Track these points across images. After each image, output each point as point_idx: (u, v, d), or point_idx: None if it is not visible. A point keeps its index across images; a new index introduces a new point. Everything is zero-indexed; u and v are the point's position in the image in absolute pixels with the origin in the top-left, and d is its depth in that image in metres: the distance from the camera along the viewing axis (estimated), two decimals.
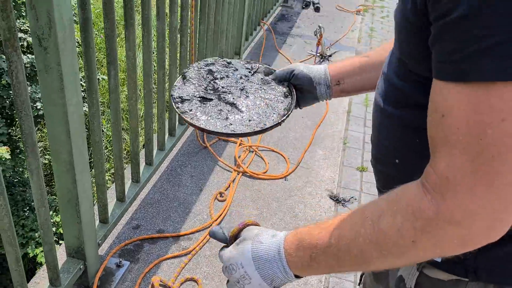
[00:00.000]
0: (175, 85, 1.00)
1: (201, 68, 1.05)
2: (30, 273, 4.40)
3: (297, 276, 0.74)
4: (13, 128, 5.71)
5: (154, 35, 1.98)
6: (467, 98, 0.55)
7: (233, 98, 0.98)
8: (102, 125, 1.67)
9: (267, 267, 0.73)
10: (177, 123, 2.45)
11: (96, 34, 7.19)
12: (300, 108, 1.10)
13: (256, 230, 0.77)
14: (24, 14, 5.29)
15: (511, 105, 0.53)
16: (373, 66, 1.00)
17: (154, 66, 2.28)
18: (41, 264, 4.60)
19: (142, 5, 1.77)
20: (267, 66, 1.10)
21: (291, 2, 5.54)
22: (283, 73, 1.05)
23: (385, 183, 0.83)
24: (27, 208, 5.05)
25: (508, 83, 0.52)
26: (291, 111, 0.97)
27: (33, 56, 4.97)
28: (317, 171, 2.69)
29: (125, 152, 4.46)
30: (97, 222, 1.81)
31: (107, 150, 5.77)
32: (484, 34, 0.52)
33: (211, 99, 0.97)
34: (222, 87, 1.01)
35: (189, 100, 0.97)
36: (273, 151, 2.80)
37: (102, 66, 6.90)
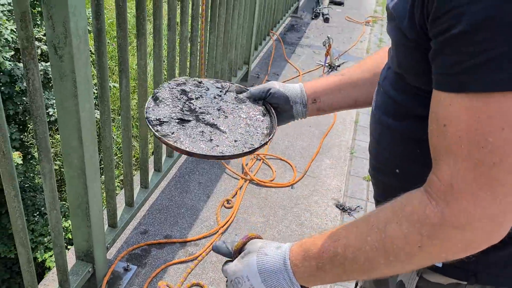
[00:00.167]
0: (148, 107, 0.94)
1: (173, 88, 1.00)
2: (38, 277, 4.44)
3: (303, 287, 0.75)
4: (25, 134, 5.81)
5: (165, 44, 2.02)
6: (468, 108, 0.58)
7: (213, 119, 0.95)
8: (112, 132, 1.71)
9: (273, 279, 0.73)
10: None
11: (108, 42, 7.30)
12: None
13: (260, 243, 0.78)
14: (38, 23, 5.41)
15: (509, 115, 0.56)
16: (349, 84, 1.00)
17: (164, 75, 2.33)
18: (49, 269, 4.65)
19: (154, 15, 1.82)
20: (238, 85, 1.06)
21: (301, 12, 5.59)
22: (259, 91, 1.02)
23: (385, 193, 0.85)
24: (37, 213, 5.12)
25: (507, 93, 0.55)
26: (275, 129, 0.95)
27: (47, 64, 5.06)
28: (324, 180, 2.71)
29: (134, 159, 4.51)
30: (106, 226, 1.84)
31: (116, 157, 5.83)
32: (483, 49, 0.56)
33: (189, 120, 0.93)
34: (200, 108, 0.97)
35: (167, 122, 0.91)
36: (281, 159, 2.82)
37: (113, 74, 7.00)
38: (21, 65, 4.84)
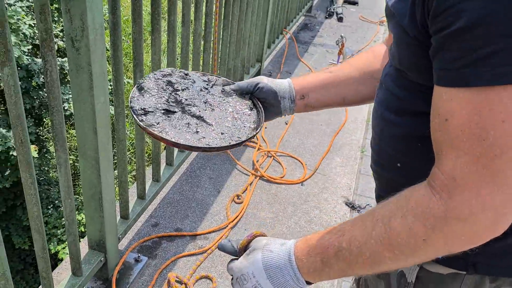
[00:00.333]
0: (133, 97, 0.92)
1: (158, 78, 0.98)
2: (51, 268, 4.52)
3: (308, 283, 0.76)
4: (41, 128, 5.91)
5: (179, 41, 2.06)
6: (469, 102, 0.59)
7: (199, 111, 0.93)
8: (126, 127, 1.75)
9: (279, 275, 0.75)
10: None
11: (123, 39, 7.38)
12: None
13: (265, 240, 0.80)
14: (56, 19, 5.50)
15: (510, 107, 0.57)
16: (338, 81, 1.01)
17: None
18: (62, 261, 4.73)
19: (169, 12, 1.86)
20: (225, 78, 1.05)
21: (315, 12, 5.60)
22: (247, 85, 1.01)
23: (387, 188, 0.86)
24: (51, 206, 5.21)
25: (507, 87, 0.57)
26: (262, 123, 0.94)
27: (63, 60, 5.13)
28: (334, 178, 2.72)
29: (146, 155, 4.57)
30: (118, 217, 1.88)
31: (129, 152, 5.90)
32: (482, 44, 0.57)
33: (174, 112, 0.91)
34: (186, 99, 0.95)
35: (152, 112, 0.89)
36: (291, 157, 2.84)
37: (128, 70, 7.08)
38: (38, 60, 4.92)
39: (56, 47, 5.58)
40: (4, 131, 4.55)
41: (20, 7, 4.77)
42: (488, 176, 0.59)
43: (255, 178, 2.59)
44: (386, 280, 0.91)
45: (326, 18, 5.57)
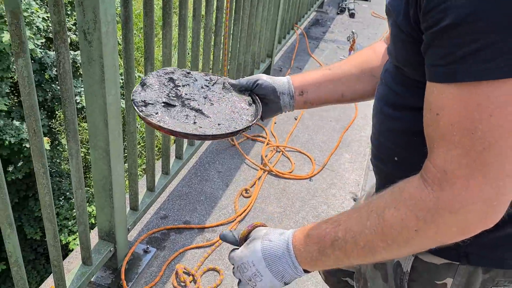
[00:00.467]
0: (135, 91, 0.96)
1: (160, 76, 1.02)
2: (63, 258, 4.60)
3: (306, 271, 0.78)
4: (53, 121, 5.98)
5: (190, 35, 2.07)
6: (458, 97, 0.61)
7: (198, 105, 0.96)
8: (136, 120, 1.77)
9: (277, 264, 0.78)
10: None
11: (135, 33, 7.42)
12: (262, 120, 1.08)
13: (265, 230, 0.83)
14: (69, 13, 5.55)
15: (497, 102, 0.58)
16: (336, 78, 1.02)
17: (188, 66, 2.39)
18: (72, 251, 4.80)
19: (180, 6, 1.87)
20: (227, 78, 1.07)
21: (326, 7, 5.58)
22: (247, 81, 1.03)
23: (385, 180, 0.87)
24: (62, 197, 5.28)
25: (494, 82, 0.58)
26: (259, 114, 0.97)
27: (75, 53, 5.17)
28: (342, 174, 2.72)
29: (156, 148, 4.62)
30: (127, 208, 1.91)
31: (139, 146, 5.95)
32: (470, 40, 0.59)
33: (174, 105, 0.94)
34: (186, 94, 0.98)
35: (152, 104, 0.93)
36: (300, 152, 2.85)
37: (139, 65, 7.13)
38: (51, 53, 4.98)
39: (69, 40, 5.64)
40: (17, 123, 4.62)
41: (34, 0, 4.82)
42: (478, 169, 0.61)
43: (264, 172, 2.60)
44: (383, 271, 0.92)
45: (338, 14, 5.55)
